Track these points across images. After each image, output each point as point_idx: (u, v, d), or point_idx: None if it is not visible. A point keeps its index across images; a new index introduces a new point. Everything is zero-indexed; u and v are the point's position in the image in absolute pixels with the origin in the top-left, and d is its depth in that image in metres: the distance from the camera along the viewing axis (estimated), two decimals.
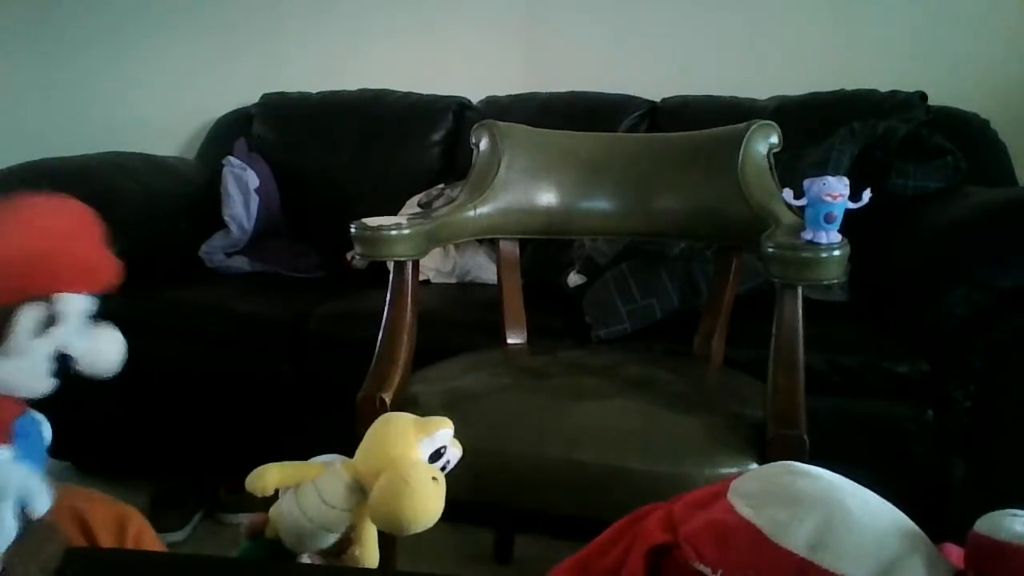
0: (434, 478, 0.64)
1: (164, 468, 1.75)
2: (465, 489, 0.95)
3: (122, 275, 0.82)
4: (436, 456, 0.67)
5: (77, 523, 0.82)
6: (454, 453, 0.69)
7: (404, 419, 0.69)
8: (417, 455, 0.66)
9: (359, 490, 0.65)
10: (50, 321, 0.75)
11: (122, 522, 0.84)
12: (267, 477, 0.66)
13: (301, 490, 0.66)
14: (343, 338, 1.54)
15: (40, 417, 0.80)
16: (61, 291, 0.76)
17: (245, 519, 0.76)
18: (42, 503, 0.59)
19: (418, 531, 0.63)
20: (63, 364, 0.79)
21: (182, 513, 1.64)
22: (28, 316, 0.73)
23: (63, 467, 1.84)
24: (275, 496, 0.68)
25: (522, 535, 1.55)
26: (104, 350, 0.82)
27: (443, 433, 0.68)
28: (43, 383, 0.79)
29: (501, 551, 1.53)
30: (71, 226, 0.78)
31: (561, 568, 0.55)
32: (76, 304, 0.78)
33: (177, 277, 1.81)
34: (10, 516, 0.57)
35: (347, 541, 0.66)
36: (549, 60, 2.20)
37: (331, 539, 0.66)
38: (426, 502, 0.62)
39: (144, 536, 0.85)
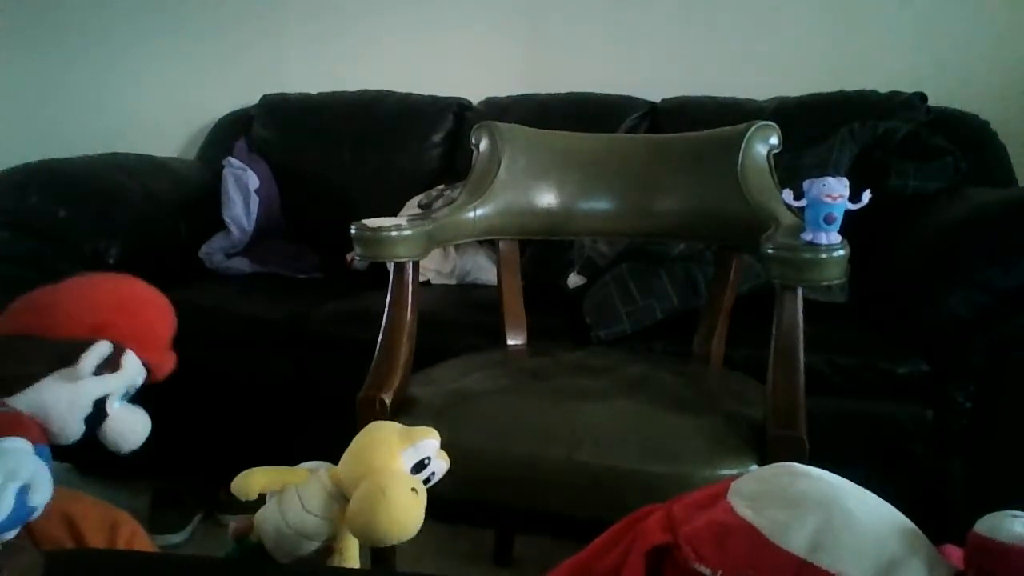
0: (414, 489, 0.62)
1: (164, 469, 1.75)
2: (465, 490, 0.95)
3: (173, 372, 0.87)
4: (420, 467, 0.65)
5: (66, 527, 0.81)
6: (440, 465, 0.67)
7: (388, 428, 0.67)
8: (399, 465, 0.64)
9: (341, 498, 0.64)
10: (108, 366, 0.77)
11: (114, 526, 0.83)
12: (252, 481, 0.66)
13: (284, 495, 0.65)
14: (343, 339, 1.54)
15: None
16: (129, 347, 0.79)
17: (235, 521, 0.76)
18: (43, 495, 0.60)
19: (394, 543, 0.61)
20: (91, 429, 0.80)
21: (182, 514, 1.64)
22: (102, 347, 0.75)
23: (64, 468, 1.83)
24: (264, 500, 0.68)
25: (522, 535, 1.55)
26: (133, 427, 0.83)
27: (427, 443, 0.66)
28: (76, 427, 0.79)
29: (501, 551, 1.53)
30: (160, 307, 0.89)
31: (561, 569, 0.55)
32: (134, 366, 0.80)
33: (177, 278, 1.81)
34: (12, 497, 0.59)
35: (328, 550, 0.65)
36: (549, 61, 2.20)
37: (311, 547, 0.65)
38: (403, 513, 0.60)
39: (136, 539, 0.85)
